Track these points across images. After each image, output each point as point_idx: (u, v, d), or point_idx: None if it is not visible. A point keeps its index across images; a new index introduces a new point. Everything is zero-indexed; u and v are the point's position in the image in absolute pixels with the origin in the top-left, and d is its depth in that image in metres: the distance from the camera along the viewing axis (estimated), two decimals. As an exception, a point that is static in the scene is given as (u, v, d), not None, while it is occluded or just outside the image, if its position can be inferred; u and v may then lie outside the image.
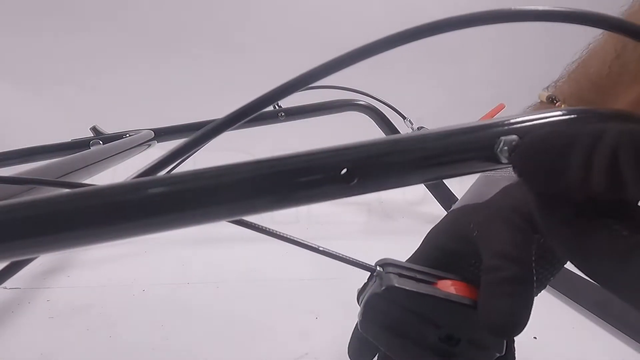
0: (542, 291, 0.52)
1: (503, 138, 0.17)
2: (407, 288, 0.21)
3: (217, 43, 1.08)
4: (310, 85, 0.19)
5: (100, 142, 0.56)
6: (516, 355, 0.37)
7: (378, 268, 0.23)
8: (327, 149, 0.17)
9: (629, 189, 0.13)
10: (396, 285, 0.21)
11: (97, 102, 1.04)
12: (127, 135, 0.59)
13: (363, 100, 0.74)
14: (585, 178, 0.14)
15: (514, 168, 0.17)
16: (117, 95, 1.05)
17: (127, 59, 1.06)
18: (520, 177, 0.17)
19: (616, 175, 0.13)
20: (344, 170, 0.16)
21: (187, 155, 0.19)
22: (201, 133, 0.18)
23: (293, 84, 0.18)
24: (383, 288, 0.21)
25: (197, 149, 0.19)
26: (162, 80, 1.07)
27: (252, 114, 0.18)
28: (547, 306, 0.46)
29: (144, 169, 0.18)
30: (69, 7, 1.02)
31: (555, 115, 0.19)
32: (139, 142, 0.56)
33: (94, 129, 0.62)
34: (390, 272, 0.22)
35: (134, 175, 0.17)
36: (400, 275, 0.22)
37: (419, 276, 0.22)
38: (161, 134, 0.63)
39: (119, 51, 1.05)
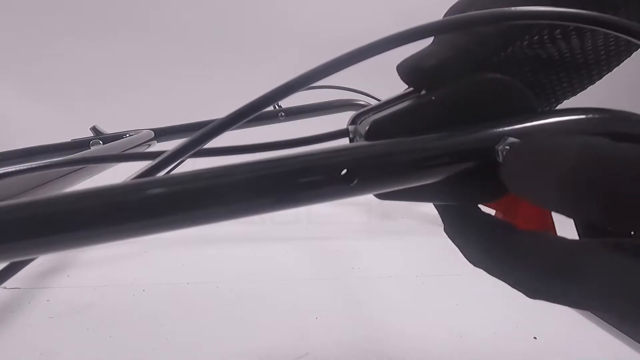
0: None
1: (504, 141, 0.17)
2: (388, 112, 0.19)
3: (219, 44, 1.08)
4: (310, 85, 0.19)
5: (100, 142, 0.56)
6: (516, 355, 0.37)
7: (350, 127, 0.22)
8: (327, 150, 0.17)
9: (590, 211, 0.12)
10: (376, 118, 0.19)
11: (97, 102, 1.04)
12: (127, 135, 0.59)
13: (363, 100, 0.74)
14: (549, 195, 0.13)
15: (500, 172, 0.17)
16: (118, 95, 1.05)
17: (128, 58, 1.06)
18: (504, 182, 0.16)
19: (573, 194, 0.12)
20: (344, 171, 0.16)
21: (187, 155, 0.19)
22: (201, 133, 0.18)
23: (293, 84, 0.18)
24: (367, 129, 0.19)
25: (197, 149, 0.19)
26: (163, 81, 1.07)
27: (252, 114, 0.18)
28: (547, 306, 0.46)
29: (144, 169, 0.18)
30: (70, 7, 1.02)
31: (557, 118, 0.18)
32: (139, 142, 0.56)
33: (94, 129, 0.62)
34: (363, 120, 0.21)
35: (134, 176, 0.17)
36: (375, 113, 0.21)
37: (397, 101, 0.21)
38: (161, 134, 0.63)
39: (120, 51, 1.05)
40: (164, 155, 0.18)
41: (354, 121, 0.22)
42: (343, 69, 0.18)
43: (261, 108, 0.18)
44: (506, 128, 0.18)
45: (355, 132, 0.22)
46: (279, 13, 1.09)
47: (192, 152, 0.19)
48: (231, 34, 1.08)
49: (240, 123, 0.18)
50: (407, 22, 0.18)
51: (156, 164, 0.18)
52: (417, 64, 0.20)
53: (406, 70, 0.21)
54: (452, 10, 0.22)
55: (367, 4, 1.11)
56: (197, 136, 0.18)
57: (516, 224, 0.22)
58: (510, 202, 0.22)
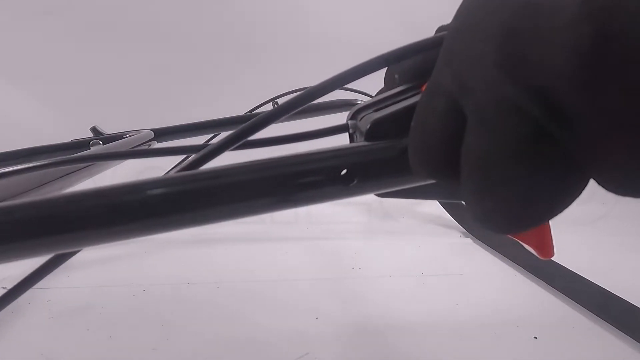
0: (543, 291, 0.52)
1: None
2: (388, 112, 0.19)
3: (218, 43, 1.08)
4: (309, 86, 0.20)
5: (100, 142, 0.56)
6: (516, 355, 0.37)
7: (350, 122, 0.22)
8: (326, 150, 0.17)
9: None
10: (377, 117, 0.19)
11: (96, 102, 1.04)
12: (127, 135, 0.59)
13: (363, 100, 0.74)
14: None
15: None
16: (117, 95, 1.05)
17: (127, 58, 1.06)
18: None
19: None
20: (344, 171, 0.16)
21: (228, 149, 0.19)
22: (244, 127, 0.18)
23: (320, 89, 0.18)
24: (368, 128, 0.19)
25: (242, 141, 0.19)
26: (163, 80, 1.07)
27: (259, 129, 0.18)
28: (547, 306, 0.46)
29: (185, 163, 0.18)
30: (69, 6, 1.02)
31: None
32: (139, 143, 0.56)
33: (94, 129, 0.62)
34: (364, 117, 0.21)
35: (175, 170, 0.17)
36: (376, 110, 0.21)
37: (397, 98, 0.21)
38: (161, 134, 0.63)
39: (120, 51, 1.05)
40: (207, 149, 0.18)
41: (353, 116, 0.22)
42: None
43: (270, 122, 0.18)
44: None
45: (355, 127, 0.22)
46: (279, 14, 1.09)
47: (234, 146, 0.19)
48: (232, 34, 1.08)
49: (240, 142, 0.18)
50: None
51: (198, 159, 0.18)
52: (418, 61, 0.20)
53: (405, 68, 0.21)
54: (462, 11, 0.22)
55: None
56: (240, 131, 0.18)
57: None
58: None
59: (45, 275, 0.37)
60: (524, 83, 0.11)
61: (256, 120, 0.18)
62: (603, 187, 0.12)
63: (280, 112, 0.19)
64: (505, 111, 0.12)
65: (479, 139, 0.13)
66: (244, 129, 0.18)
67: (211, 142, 0.66)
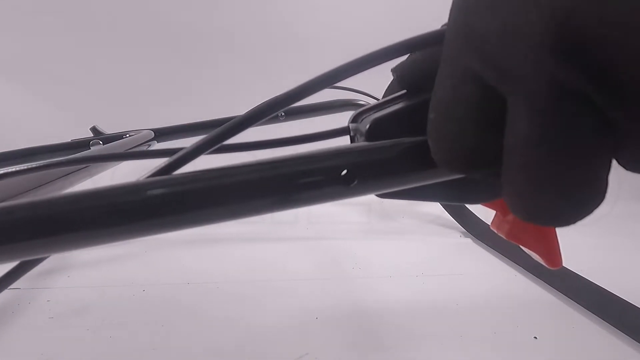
0: (543, 291, 0.52)
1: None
2: (388, 111, 0.19)
3: (218, 43, 1.08)
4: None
5: (100, 142, 0.56)
6: (516, 355, 0.37)
7: (351, 125, 0.22)
8: (327, 150, 0.17)
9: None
10: (377, 116, 0.19)
11: (96, 102, 1.04)
12: (127, 135, 0.59)
13: (363, 100, 0.74)
14: None
15: None
16: (117, 95, 1.05)
17: (127, 58, 1.06)
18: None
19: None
20: (344, 172, 0.16)
21: (203, 153, 0.19)
22: (217, 132, 0.18)
23: (310, 85, 0.18)
24: (367, 127, 0.19)
25: (215, 147, 0.19)
26: (162, 80, 1.07)
27: (262, 118, 0.18)
28: (547, 306, 0.46)
29: (158, 167, 0.17)
30: (69, 6, 1.02)
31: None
32: (139, 143, 0.56)
33: (94, 129, 0.62)
34: (364, 119, 0.21)
35: (148, 174, 0.17)
36: (376, 112, 0.21)
37: (398, 100, 0.21)
38: (161, 134, 0.63)
39: (119, 50, 1.05)
40: (181, 152, 0.18)
41: (354, 119, 0.22)
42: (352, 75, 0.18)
43: (271, 112, 0.18)
44: None
45: (356, 130, 0.22)
46: (280, 15, 1.09)
47: (210, 150, 0.18)
48: (232, 35, 1.08)
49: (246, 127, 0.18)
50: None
51: (172, 162, 0.18)
52: (414, 65, 0.20)
53: (403, 72, 0.21)
54: None
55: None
56: (215, 135, 0.18)
57: (515, 221, 0.22)
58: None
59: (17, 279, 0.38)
60: (585, 67, 0.10)
61: (234, 122, 0.18)
62: (629, 166, 0.12)
63: (261, 114, 0.18)
64: (563, 98, 0.11)
65: (533, 129, 0.12)
66: (221, 131, 0.18)
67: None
